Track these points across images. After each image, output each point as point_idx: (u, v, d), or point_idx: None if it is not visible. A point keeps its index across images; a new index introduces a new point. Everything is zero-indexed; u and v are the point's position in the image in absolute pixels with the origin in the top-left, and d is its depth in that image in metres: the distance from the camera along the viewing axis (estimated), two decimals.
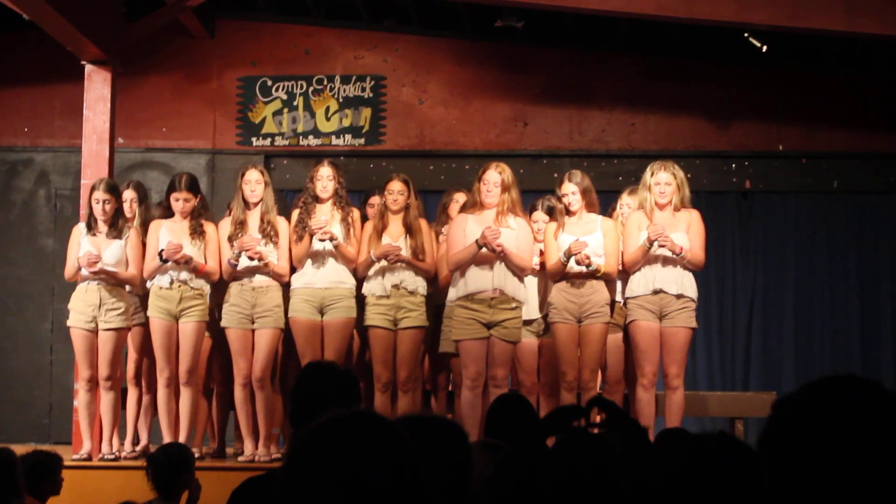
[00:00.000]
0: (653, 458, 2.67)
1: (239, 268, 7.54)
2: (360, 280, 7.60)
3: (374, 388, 7.45)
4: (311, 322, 7.49)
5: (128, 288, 7.70)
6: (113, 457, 7.58)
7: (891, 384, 1.68)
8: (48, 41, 8.76)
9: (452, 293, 7.28)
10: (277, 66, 10.85)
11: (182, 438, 7.40)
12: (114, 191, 7.67)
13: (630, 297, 7.31)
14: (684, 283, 7.25)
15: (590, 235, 7.26)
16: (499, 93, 10.76)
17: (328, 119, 10.79)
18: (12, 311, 10.63)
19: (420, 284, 7.52)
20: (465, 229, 7.18)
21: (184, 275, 7.53)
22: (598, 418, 3.10)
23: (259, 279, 7.57)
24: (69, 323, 7.62)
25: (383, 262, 7.47)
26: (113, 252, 7.55)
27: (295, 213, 7.67)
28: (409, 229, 7.52)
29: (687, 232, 7.26)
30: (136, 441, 7.92)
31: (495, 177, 7.22)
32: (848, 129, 10.51)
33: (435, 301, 7.66)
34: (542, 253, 7.48)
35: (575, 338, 7.25)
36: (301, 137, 10.80)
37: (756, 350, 10.53)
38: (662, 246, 7.16)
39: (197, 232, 7.61)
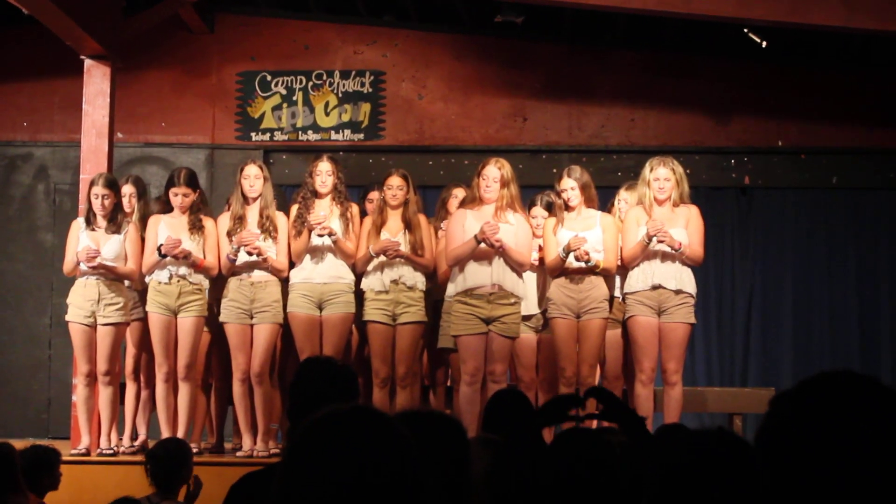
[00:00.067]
0: (652, 448, 2.67)
1: (238, 263, 7.54)
2: (358, 275, 7.60)
3: (373, 383, 7.45)
4: (309, 317, 7.49)
5: (126, 283, 7.70)
6: (111, 452, 7.58)
7: (889, 380, 1.68)
8: (47, 36, 8.75)
9: (451, 288, 7.28)
10: (277, 61, 10.84)
11: (180, 433, 7.40)
12: (113, 185, 7.67)
13: (629, 293, 7.31)
14: (683, 279, 7.25)
15: (589, 231, 7.26)
16: (498, 88, 10.75)
17: (327, 114, 10.78)
18: (11, 306, 10.62)
19: (419, 280, 7.52)
20: (464, 224, 7.18)
21: (182, 270, 7.53)
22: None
23: (258, 274, 7.57)
24: (68, 318, 7.62)
25: (382, 258, 7.47)
26: (112, 247, 7.54)
27: (294, 209, 7.66)
28: (408, 224, 7.52)
29: (686, 227, 7.26)
30: (134, 436, 7.92)
31: (494, 172, 7.22)
32: (847, 124, 10.51)
33: (434, 296, 7.66)
34: (540, 248, 7.48)
35: (574, 333, 7.25)
36: (300, 132, 10.79)
37: (755, 346, 10.53)
38: (661, 241, 7.16)
39: (196, 227, 7.61)
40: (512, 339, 7.19)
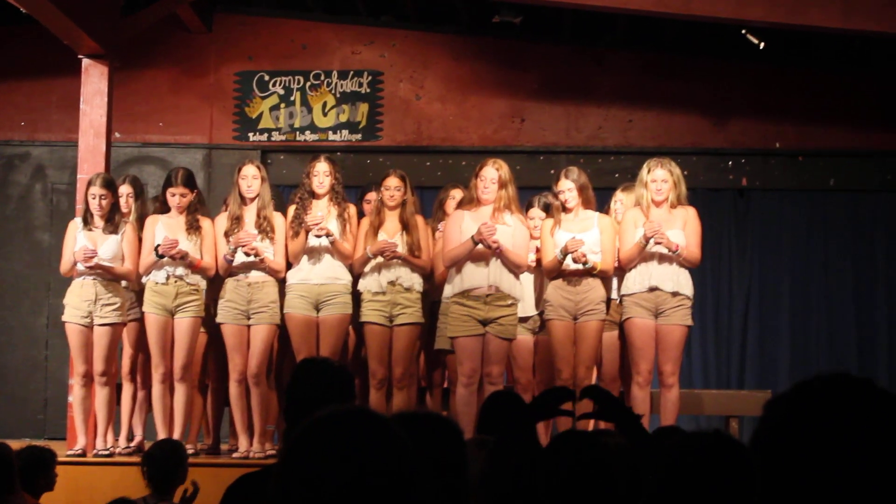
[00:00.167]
0: (649, 447, 2.67)
1: (235, 263, 7.53)
2: (356, 276, 7.59)
3: (370, 384, 7.45)
4: (306, 318, 7.49)
5: (124, 283, 7.69)
6: (107, 452, 7.57)
7: (886, 382, 1.68)
8: (45, 35, 8.75)
9: (448, 290, 7.28)
10: (274, 61, 10.84)
11: (177, 434, 7.40)
12: (110, 185, 7.66)
13: (626, 295, 7.30)
14: (680, 281, 7.25)
15: (586, 232, 7.26)
16: (496, 89, 10.75)
17: (325, 114, 10.78)
18: (8, 306, 10.61)
19: (416, 281, 7.51)
20: (462, 226, 7.18)
21: (179, 270, 7.53)
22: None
23: (255, 275, 7.56)
24: (64, 318, 7.61)
25: (379, 259, 7.46)
26: (109, 247, 7.53)
27: (291, 209, 7.66)
28: (406, 225, 7.52)
29: (683, 229, 7.26)
30: (130, 437, 7.91)
31: (492, 173, 7.22)
32: (845, 126, 10.51)
33: (431, 297, 7.65)
34: (538, 250, 7.48)
35: (571, 335, 7.25)
36: (298, 133, 10.79)
37: (751, 348, 10.52)
38: (658, 243, 7.16)
39: (193, 227, 7.60)
40: (509, 341, 7.19)
